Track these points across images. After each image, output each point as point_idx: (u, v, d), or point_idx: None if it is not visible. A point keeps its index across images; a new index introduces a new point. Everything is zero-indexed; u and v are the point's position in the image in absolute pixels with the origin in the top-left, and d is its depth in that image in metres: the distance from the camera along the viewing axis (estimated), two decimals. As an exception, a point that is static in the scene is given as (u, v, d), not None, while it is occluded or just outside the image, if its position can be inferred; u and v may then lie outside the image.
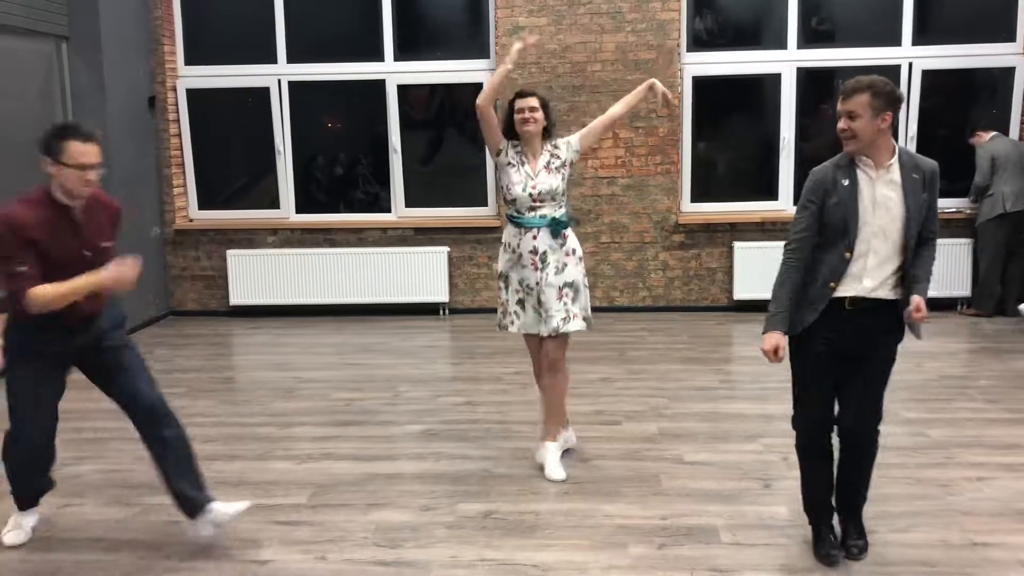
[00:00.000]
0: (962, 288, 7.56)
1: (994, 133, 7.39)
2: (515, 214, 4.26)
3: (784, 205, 7.84)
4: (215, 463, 4.47)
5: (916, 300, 3.10)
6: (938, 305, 6.75)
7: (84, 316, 3.43)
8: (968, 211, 7.53)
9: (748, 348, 6.68)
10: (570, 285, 4.22)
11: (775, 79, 7.77)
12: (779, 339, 3.23)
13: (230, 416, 5.24)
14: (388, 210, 8.15)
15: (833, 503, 3.40)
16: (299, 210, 8.12)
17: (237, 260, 7.96)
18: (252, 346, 7.20)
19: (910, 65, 7.63)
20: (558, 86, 7.64)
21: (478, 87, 7.83)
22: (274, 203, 8.14)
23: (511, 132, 4.26)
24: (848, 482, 3.36)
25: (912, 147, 7.68)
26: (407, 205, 8.12)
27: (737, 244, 7.70)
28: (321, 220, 8.04)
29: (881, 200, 3.11)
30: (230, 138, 8.47)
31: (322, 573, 3.34)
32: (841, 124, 3.09)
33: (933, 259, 3.23)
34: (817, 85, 7.90)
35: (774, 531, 3.58)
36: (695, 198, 7.97)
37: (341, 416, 5.17)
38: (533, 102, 4.18)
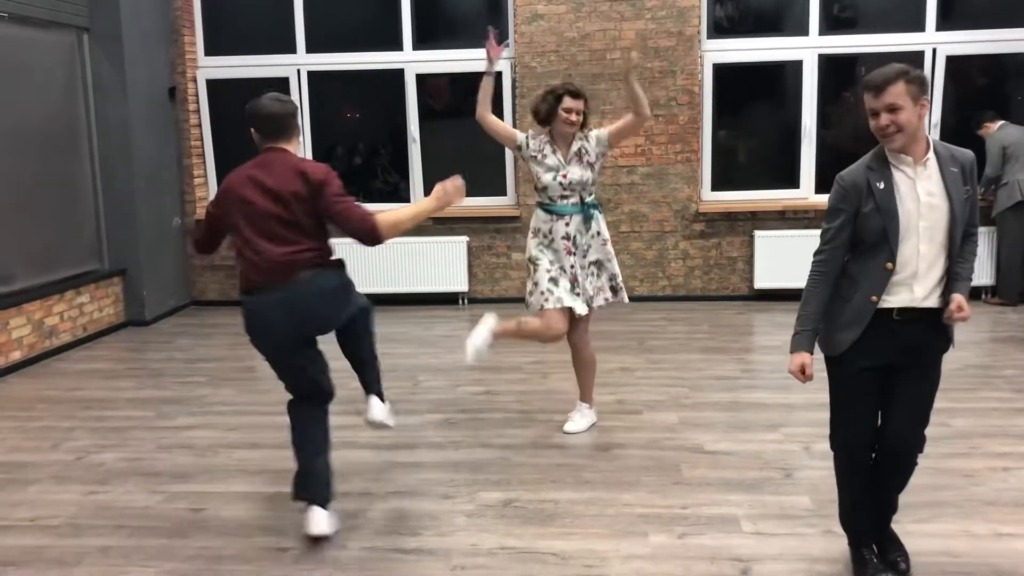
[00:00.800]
0: (985, 277, 7.48)
1: (1002, 122, 7.30)
2: (547, 201, 4.41)
3: (806, 193, 7.78)
4: (237, 451, 4.50)
5: (958, 298, 2.81)
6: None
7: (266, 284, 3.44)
8: (988, 199, 7.44)
9: (769, 337, 6.64)
10: (595, 263, 4.47)
11: (796, 66, 7.69)
12: (805, 359, 2.97)
13: (251, 405, 5.27)
14: (407, 200, 8.16)
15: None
16: (319, 200, 8.12)
17: (257, 250, 7.97)
18: (273, 335, 7.22)
19: (934, 51, 7.53)
20: (577, 74, 7.60)
21: (497, 75, 7.81)
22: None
23: (548, 121, 4.35)
24: (884, 500, 3.12)
25: (935, 135, 7.60)
26: (426, 195, 8.10)
27: (758, 233, 7.65)
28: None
29: (925, 199, 2.81)
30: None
31: (343, 560, 3.35)
32: (882, 121, 2.77)
33: (975, 255, 2.96)
34: (839, 72, 7.83)
35: (796, 521, 3.56)
36: (716, 187, 7.92)
37: (361, 405, 5.16)
38: (581, 105, 4.30)
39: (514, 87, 7.77)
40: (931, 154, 2.85)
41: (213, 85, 8.15)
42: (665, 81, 7.59)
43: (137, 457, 4.49)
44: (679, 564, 3.24)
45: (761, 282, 7.68)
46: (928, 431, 3.04)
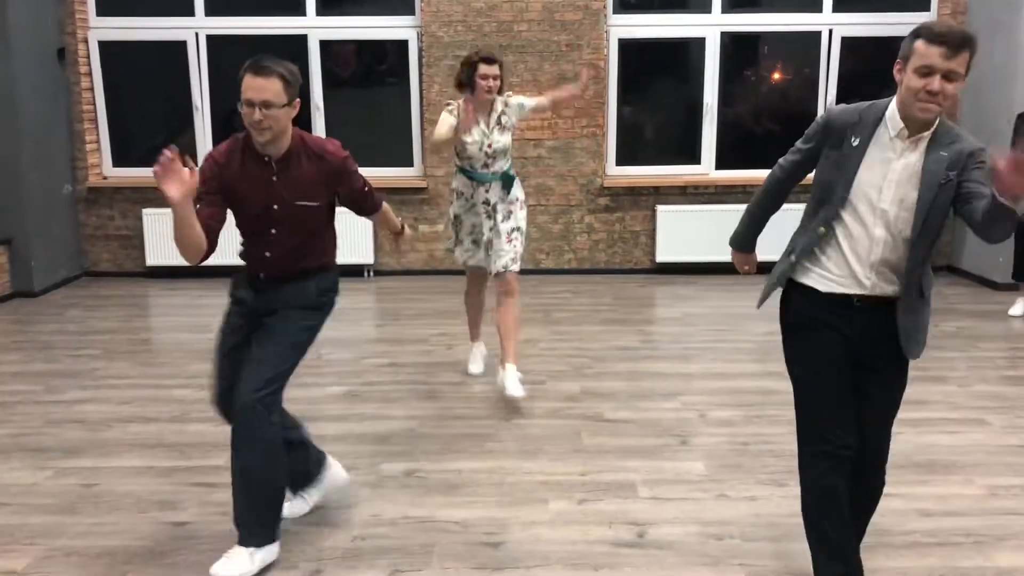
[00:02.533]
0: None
1: None
2: (468, 168, 4.57)
3: (707, 169, 7.95)
4: (131, 425, 4.37)
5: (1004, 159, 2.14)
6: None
7: (266, 278, 3.10)
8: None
9: (670, 309, 6.79)
10: (517, 230, 4.64)
11: (700, 43, 7.83)
12: (740, 256, 3.02)
13: (146, 378, 5.12)
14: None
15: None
16: (219, 168, 7.90)
17: (153, 219, 7.71)
18: (169, 308, 7.03)
19: (831, 32, 7.77)
20: (484, 45, 7.56)
21: (403, 44, 7.73)
22: (193, 158, 7.90)
23: (467, 86, 4.49)
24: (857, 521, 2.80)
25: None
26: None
27: (660, 208, 7.79)
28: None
29: (894, 177, 2.48)
30: (146, 93, 8.18)
31: (241, 534, 3.30)
32: (935, 85, 2.33)
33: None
34: (741, 50, 8.00)
35: (691, 486, 3.67)
36: (620, 161, 8.03)
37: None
38: (497, 70, 4.45)
39: (420, 56, 7.69)
40: (928, 133, 2.46)
41: (106, 47, 7.81)
42: (571, 55, 7.62)
43: (23, 432, 4.31)
44: (577, 529, 3.31)
45: (663, 256, 7.83)
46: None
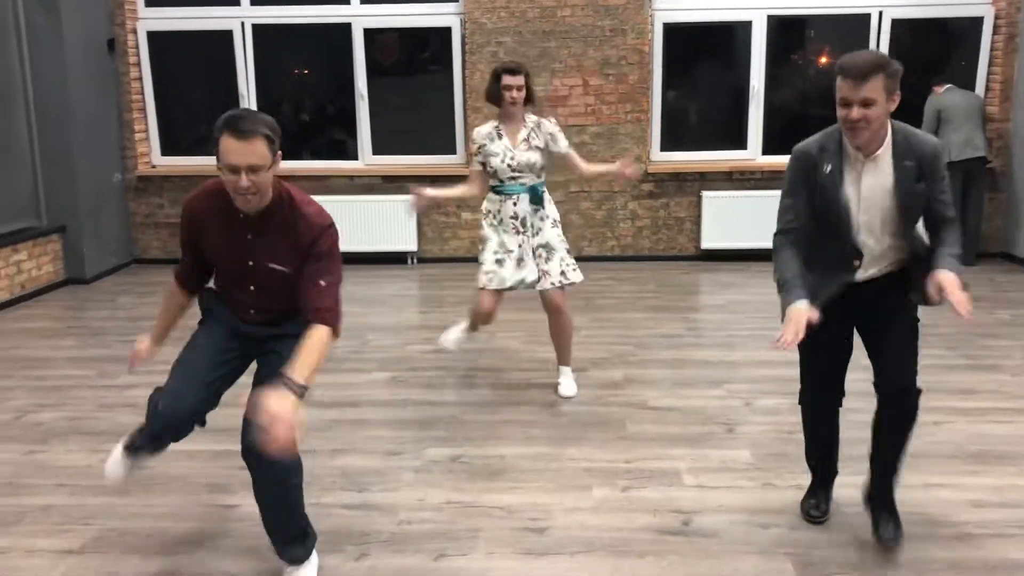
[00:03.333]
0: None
1: (948, 86, 7.43)
2: (497, 183, 4.49)
3: (753, 154, 7.86)
4: (181, 410, 4.45)
5: (937, 277, 2.65)
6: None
7: (251, 320, 2.92)
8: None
9: (714, 296, 6.73)
10: (544, 247, 4.49)
11: (746, 27, 7.72)
12: (804, 311, 2.75)
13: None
14: (355, 157, 8.07)
15: (838, 468, 3.30)
16: (265, 157, 7.98)
17: (202, 207, 7.82)
18: (218, 294, 7.13)
19: (880, 14, 7.61)
20: (527, 31, 7.55)
21: (446, 31, 7.74)
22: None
23: (494, 100, 4.46)
24: (883, 457, 3.05)
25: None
26: (374, 153, 8.04)
27: (705, 193, 7.71)
28: (287, 167, 7.91)
29: (866, 194, 2.77)
30: (193, 82, 8.30)
31: (289, 517, 3.35)
32: (854, 114, 2.63)
33: (958, 240, 2.81)
34: (788, 33, 7.88)
35: (736, 474, 3.65)
36: (665, 147, 7.96)
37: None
38: (521, 80, 4.39)
39: (463, 43, 7.69)
40: (885, 148, 2.74)
41: (154, 37, 7.93)
42: (615, 40, 7.57)
43: (78, 416, 4.42)
44: (622, 516, 3.30)
45: (708, 242, 7.76)
46: (863, 387, 3.12)
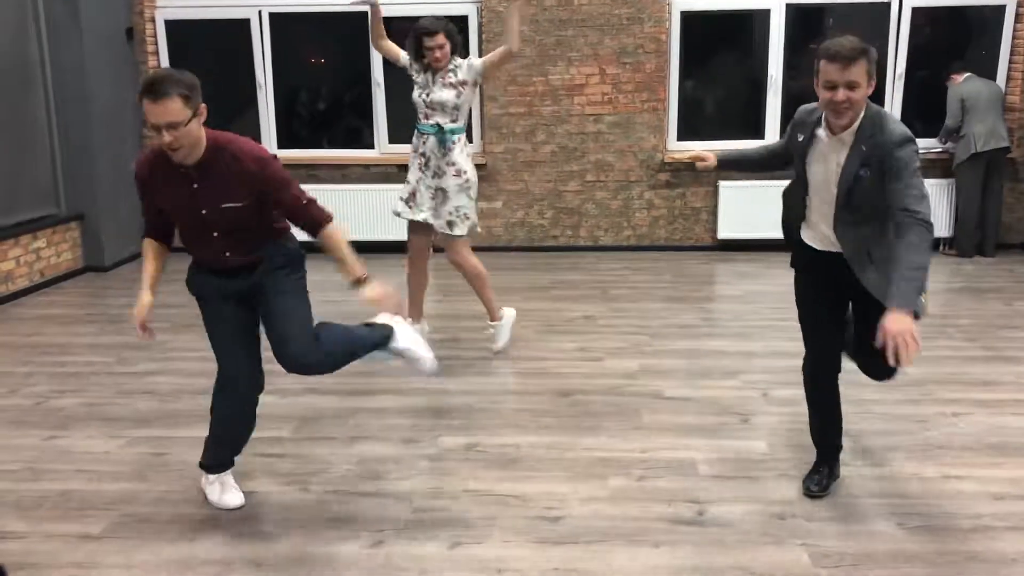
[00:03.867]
0: (944, 229, 7.59)
1: (968, 74, 7.35)
2: (416, 120, 4.77)
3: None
4: (200, 397, 4.48)
5: (883, 328, 2.54)
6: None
7: (230, 268, 3.14)
8: (950, 151, 7.51)
9: (730, 287, 6.71)
10: (442, 191, 4.77)
11: (764, 15, 7.66)
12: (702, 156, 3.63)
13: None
14: (371, 146, 8.07)
15: (841, 444, 3.44)
16: (280, 145, 8.01)
17: (219, 196, 7.86)
18: (235, 282, 7.16)
19: (900, 2, 7.53)
20: (544, 19, 7.52)
21: (463, 19, 7.71)
22: (255, 138, 8.03)
23: (420, 58, 4.70)
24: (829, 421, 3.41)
25: (899, 86, 7.64)
26: (391, 141, 8.04)
27: (722, 184, 7.67)
28: (304, 156, 7.94)
29: (822, 166, 3.00)
30: (211, 71, 8.28)
31: (305, 503, 3.37)
32: (840, 96, 2.78)
33: (917, 250, 2.65)
34: (806, 22, 7.81)
35: (751, 465, 3.64)
36: (681, 136, 7.92)
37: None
38: (441, 39, 4.61)
39: (480, 32, 7.67)
40: (852, 129, 2.88)
41: (172, 26, 7.95)
42: (632, 28, 7.53)
43: (97, 402, 4.46)
44: (637, 506, 3.31)
45: (724, 232, 7.72)
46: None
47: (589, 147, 7.73)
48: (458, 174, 4.74)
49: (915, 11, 7.55)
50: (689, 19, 7.71)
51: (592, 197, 7.83)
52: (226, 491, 3.37)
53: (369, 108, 8.01)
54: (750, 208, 7.57)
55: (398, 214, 4.95)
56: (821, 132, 2.98)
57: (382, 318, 3.43)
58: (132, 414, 4.29)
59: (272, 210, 3.08)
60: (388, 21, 7.88)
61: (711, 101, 8.22)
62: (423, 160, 4.75)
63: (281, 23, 7.90)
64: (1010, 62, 7.62)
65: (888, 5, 7.52)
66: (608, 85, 7.64)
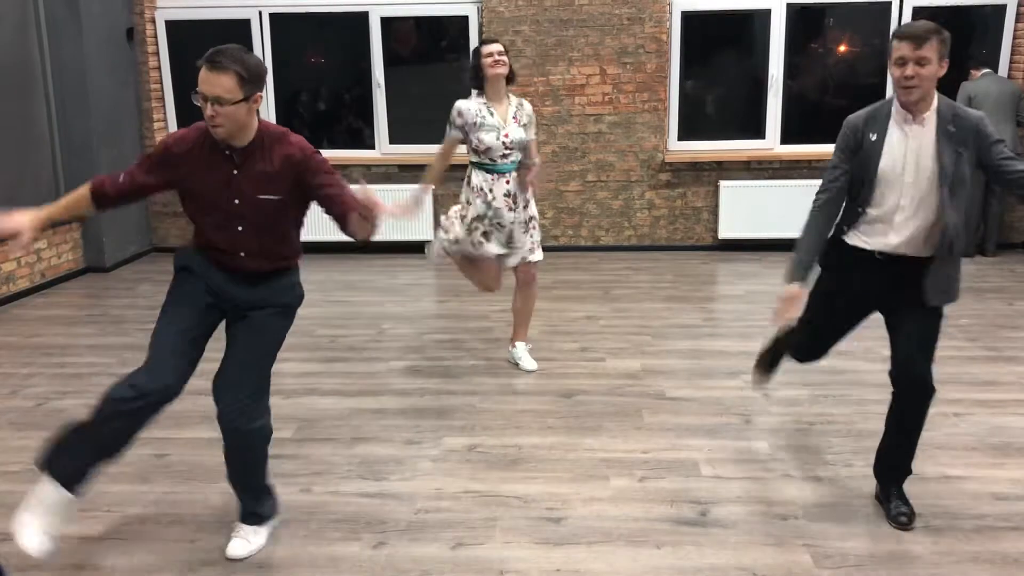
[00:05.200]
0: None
1: (986, 71, 7.33)
2: (487, 162, 4.56)
3: (771, 144, 7.80)
4: (201, 398, 4.46)
5: None
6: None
7: (235, 270, 2.97)
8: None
9: (732, 287, 6.70)
10: (534, 219, 4.74)
11: (765, 15, 7.66)
12: (796, 291, 3.14)
13: (214, 352, 5.21)
14: (372, 146, 8.07)
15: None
16: (282, 146, 7.99)
17: (220, 196, 7.86)
18: (236, 283, 7.16)
19: (901, 2, 7.53)
20: (544, 19, 7.52)
21: (463, 20, 7.71)
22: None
23: (480, 78, 4.53)
24: (895, 443, 3.21)
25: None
26: (391, 142, 8.04)
27: (723, 183, 7.67)
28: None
29: (912, 156, 2.97)
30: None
31: (307, 504, 3.37)
32: (908, 71, 2.87)
33: None
34: (807, 22, 7.80)
35: (754, 465, 3.64)
36: (682, 136, 7.92)
37: (326, 352, 5.18)
38: (500, 47, 4.51)
39: (480, 32, 7.67)
40: (930, 113, 2.96)
41: (172, 26, 7.95)
42: (633, 28, 7.53)
43: (98, 403, 4.45)
44: (639, 506, 3.30)
45: (725, 232, 7.72)
46: (884, 378, 3.11)
47: (590, 147, 7.73)
48: (533, 197, 4.75)
49: (916, 11, 7.55)
50: (690, 19, 7.71)
51: (593, 197, 7.82)
52: (33, 524, 2.83)
53: (370, 108, 8.01)
54: (751, 208, 7.57)
55: (491, 255, 4.65)
56: (897, 120, 3.00)
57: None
58: (133, 415, 4.28)
59: (302, 215, 2.97)
60: (388, 21, 7.90)
61: (712, 101, 8.21)
62: (509, 200, 4.57)
63: (281, 23, 7.90)
64: (1011, 61, 7.62)
65: (889, 5, 7.52)
66: (609, 85, 7.64)
